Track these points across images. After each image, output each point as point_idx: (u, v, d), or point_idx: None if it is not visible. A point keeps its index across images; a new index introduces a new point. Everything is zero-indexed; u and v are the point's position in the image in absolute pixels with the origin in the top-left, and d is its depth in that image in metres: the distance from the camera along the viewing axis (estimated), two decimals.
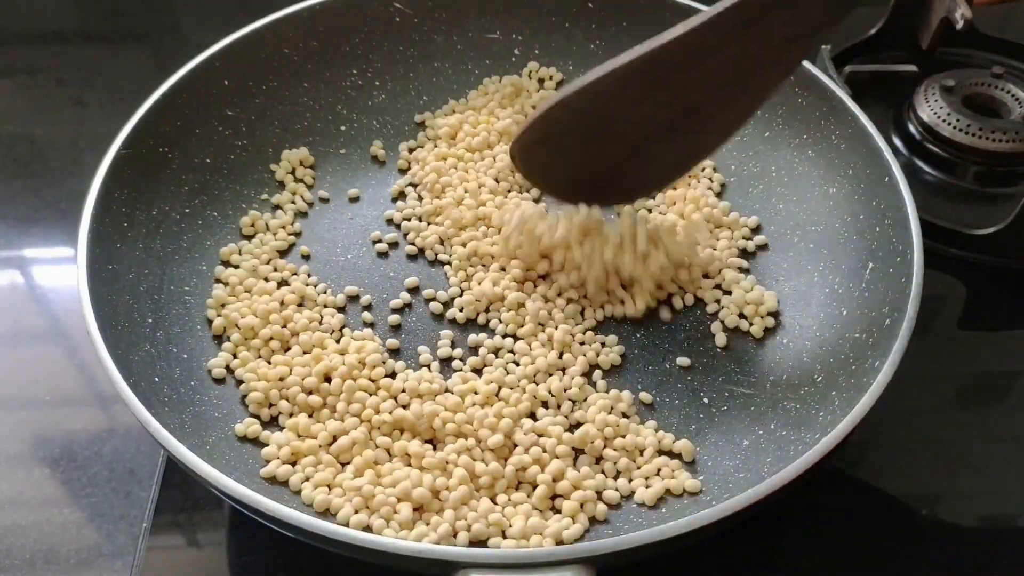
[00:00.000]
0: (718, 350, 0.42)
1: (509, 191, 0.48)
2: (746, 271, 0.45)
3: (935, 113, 0.54)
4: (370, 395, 0.39)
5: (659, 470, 0.38)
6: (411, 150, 0.51)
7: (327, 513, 0.35)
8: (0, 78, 0.63)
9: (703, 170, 0.49)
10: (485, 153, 0.50)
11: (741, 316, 0.43)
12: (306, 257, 0.46)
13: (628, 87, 0.38)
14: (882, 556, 0.39)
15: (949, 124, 0.53)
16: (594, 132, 0.40)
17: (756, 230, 0.47)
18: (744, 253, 0.46)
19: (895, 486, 0.41)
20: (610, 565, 0.30)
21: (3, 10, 0.67)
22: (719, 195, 0.48)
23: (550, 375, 0.41)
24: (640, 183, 0.43)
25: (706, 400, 0.40)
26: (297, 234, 0.46)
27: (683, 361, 0.42)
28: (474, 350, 0.42)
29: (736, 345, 0.42)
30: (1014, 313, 0.48)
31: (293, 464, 0.37)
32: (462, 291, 0.44)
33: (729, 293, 0.44)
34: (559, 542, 0.34)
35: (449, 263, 0.45)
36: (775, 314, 0.43)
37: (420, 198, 0.48)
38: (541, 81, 0.53)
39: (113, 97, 0.61)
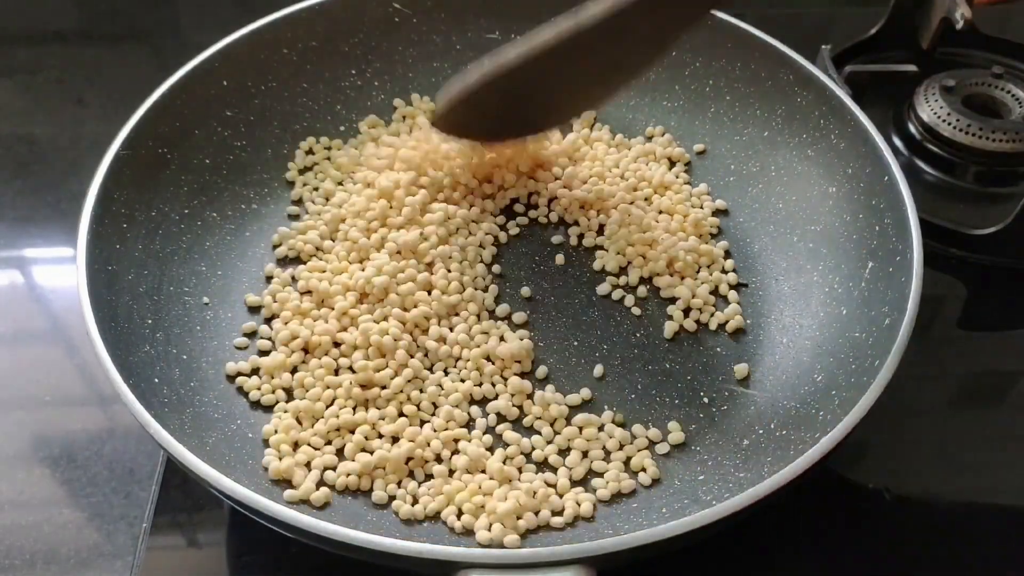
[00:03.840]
0: (717, 350, 0.42)
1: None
2: (735, 288, 0.45)
3: (935, 113, 0.54)
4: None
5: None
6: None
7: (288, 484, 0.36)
8: (0, 78, 0.63)
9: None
10: None
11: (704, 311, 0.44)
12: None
13: (550, 61, 0.41)
14: (882, 556, 0.39)
15: (949, 124, 0.53)
16: (514, 97, 0.43)
17: (729, 253, 0.47)
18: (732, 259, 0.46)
19: (895, 486, 0.41)
20: (610, 565, 0.30)
21: (3, 10, 0.67)
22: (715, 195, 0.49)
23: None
24: (553, 119, 0.46)
25: (706, 400, 0.40)
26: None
27: (683, 361, 0.42)
28: None
29: (736, 345, 0.42)
30: (1014, 313, 0.48)
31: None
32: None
33: (725, 299, 0.44)
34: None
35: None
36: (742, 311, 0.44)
37: None
38: None
39: (113, 97, 0.61)
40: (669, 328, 0.43)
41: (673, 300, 0.44)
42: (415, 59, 0.53)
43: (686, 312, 0.44)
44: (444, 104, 0.44)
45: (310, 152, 0.50)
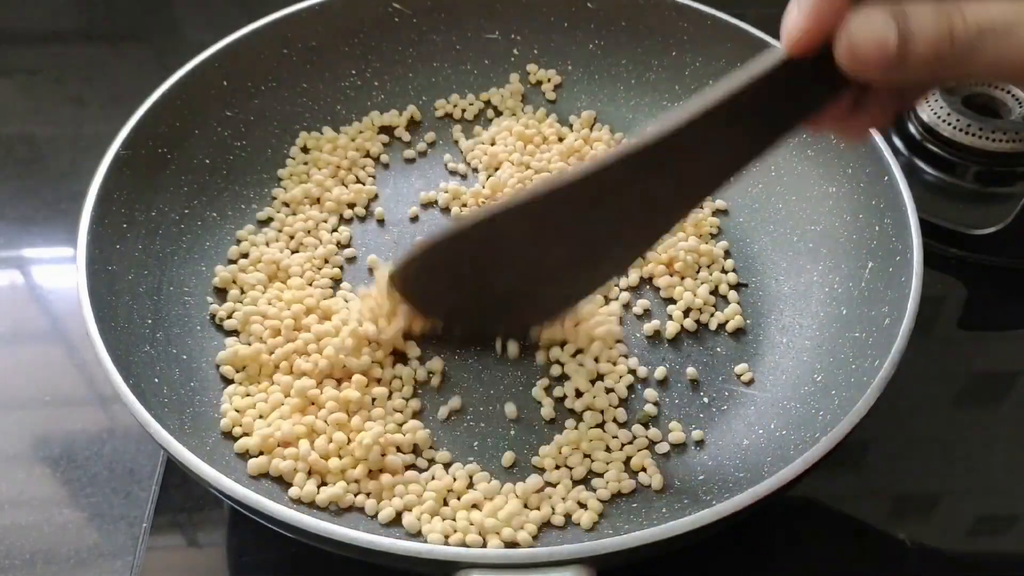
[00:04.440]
0: (717, 350, 0.42)
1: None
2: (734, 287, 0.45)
3: (935, 113, 0.54)
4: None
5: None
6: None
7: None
8: (0, 78, 0.63)
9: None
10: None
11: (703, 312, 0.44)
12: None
13: (524, 223, 0.34)
14: (882, 556, 0.39)
15: (949, 124, 0.53)
16: (484, 266, 0.37)
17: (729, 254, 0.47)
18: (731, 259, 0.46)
19: (895, 486, 0.41)
20: (610, 565, 0.30)
21: (3, 10, 0.67)
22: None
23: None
24: (535, 315, 0.40)
25: (706, 400, 0.40)
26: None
27: (683, 361, 0.42)
28: None
29: (736, 345, 0.42)
30: (1014, 313, 0.48)
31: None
32: None
33: (725, 299, 0.44)
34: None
35: None
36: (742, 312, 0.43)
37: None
38: (539, 84, 0.53)
39: (113, 97, 0.61)
40: (670, 328, 0.43)
41: (673, 300, 0.44)
42: (415, 59, 0.53)
43: (686, 312, 0.44)
44: (406, 254, 0.38)
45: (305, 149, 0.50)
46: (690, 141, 0.29)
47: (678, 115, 0.29)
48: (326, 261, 0.45)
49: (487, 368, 0.41)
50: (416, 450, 0.38)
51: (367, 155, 0.50)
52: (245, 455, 0.37)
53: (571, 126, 0.52)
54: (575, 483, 0.38)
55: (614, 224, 0.33)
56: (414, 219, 0.48)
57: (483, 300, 0.39)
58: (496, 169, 0.49)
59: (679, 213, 0.34)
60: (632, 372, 0.41)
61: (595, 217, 0.33)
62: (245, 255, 0.44)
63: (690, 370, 0.41)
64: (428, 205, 0.48)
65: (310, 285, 0.43)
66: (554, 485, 0.37)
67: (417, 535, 0.35)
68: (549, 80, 0.53)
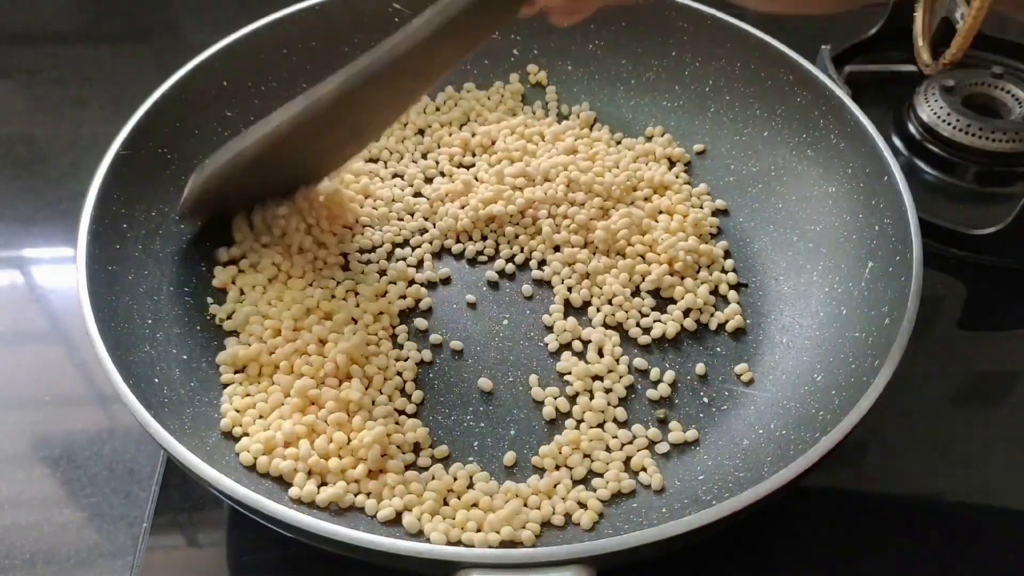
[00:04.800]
0: (717, 350, 0.42)
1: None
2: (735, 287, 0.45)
3: (935, 113, 0.54)
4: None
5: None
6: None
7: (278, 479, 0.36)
8: (0, 78, 0.63)
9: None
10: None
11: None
12: None
13: (289, 144, 0.40)
14: (882, 556, 0.39)
15: (949, 124, 0.53)
16: (270, 167, 0.42)
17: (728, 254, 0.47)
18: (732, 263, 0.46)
19: (895, 486, 0.41)
20: (610, 565, 0.30)
21: (3, 10, 0.67)
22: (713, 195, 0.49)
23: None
24: (317, 174, 0.45)
25: (706, 400, 0.40)
26: None
27: (683, 361, 0.42)
28: None
29: (736, 344, 0.42)
30: (1014, 313, 0.48)
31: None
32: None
33: (725, 299, 0.44)
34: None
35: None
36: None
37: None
38: (539, 84, 0.53)
39: (113, 97, 0.61)
40: (670, 328, 0.43)
41: (673, 300, 0.44)
42: None
43: (686, 312, 0.44)
44: (189, 193, 0.42)
45: None
46: (426, 54, 0.39)
47: (413, 34, 0.38)
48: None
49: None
50: (416, 449, 0.38)
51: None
52: (244, 455, 0.37)
53: (571, 127, 0.51)
54: (575, 483, 0.38)
55: (383, 106, 0.42)
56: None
57: (266, 184, 0.44)
58: (496, 168, 0.49)
59: (415, 95, 0.43)
60: (632, 372, 0.41)
61: (361, 108, 0.41)
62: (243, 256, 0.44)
63: (690, 370, 0.41)
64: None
65: (310, 286, 0.43)
66: (554, 485, 0.37)
67: (417, 535, 0.35)
68: (549, 80, 0.53)
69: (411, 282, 0.45)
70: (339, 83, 0.39)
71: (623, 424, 0.40)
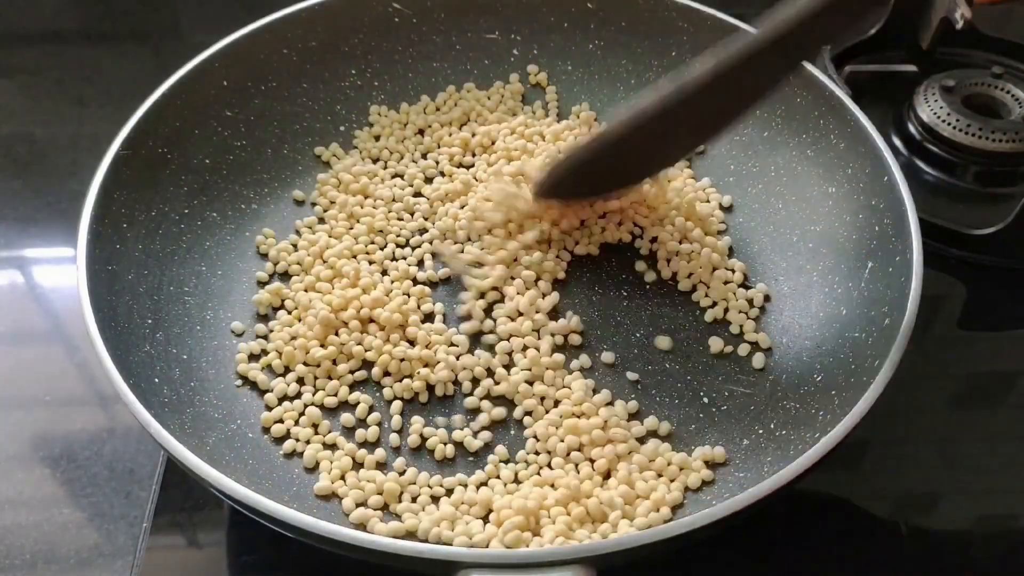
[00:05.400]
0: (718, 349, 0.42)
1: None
2: (746, 287, 0.45)
3: (935, 113, 0.54)
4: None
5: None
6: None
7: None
8: (0, 78, 0.63)
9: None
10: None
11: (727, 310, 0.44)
12: None
13: (652, 126, 0.40)
14: (882, 556, 0.39)
15: (949, 124, 0.53)
16: (617, 159, 0.43)
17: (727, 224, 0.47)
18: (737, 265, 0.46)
19: (895, 486, 0.41)
20: (610, 565, 0.30)
21: (3, 10, 0.67)
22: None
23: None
24: (652, 170, 0.46)
25: (706, 400, 0.40)
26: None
27: (683, 361, 0.42)
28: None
29: (735, 344, 0.42)
30: (1014, 313, 0.48)
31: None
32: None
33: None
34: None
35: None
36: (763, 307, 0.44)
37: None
38: (539, 84, 0.53)
39: (113, 97, 0.61)
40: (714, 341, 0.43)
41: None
42: (415, 59, 0.53)
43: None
44: (550, 176, 0.44)
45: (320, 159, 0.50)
46: (810, 28, 0.36)
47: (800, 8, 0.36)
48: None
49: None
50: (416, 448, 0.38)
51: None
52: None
53: (571, 126, 0.51)
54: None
55: (723, 106, 0.41)
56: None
57: (613, 174, 0.45)
58: (494, 167, 0.49)
59: (739, 113, 0.42)
60: (632, 372, 0.41)
61: (706, 106, 0.40)
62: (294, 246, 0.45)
63: (690, 369, 0.41)
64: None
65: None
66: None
67: (417, 535, 0.35)
68: (549, 80, 0.53)
69: (414, 281, 0.45)
70: (712, 64, 0.38)
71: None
